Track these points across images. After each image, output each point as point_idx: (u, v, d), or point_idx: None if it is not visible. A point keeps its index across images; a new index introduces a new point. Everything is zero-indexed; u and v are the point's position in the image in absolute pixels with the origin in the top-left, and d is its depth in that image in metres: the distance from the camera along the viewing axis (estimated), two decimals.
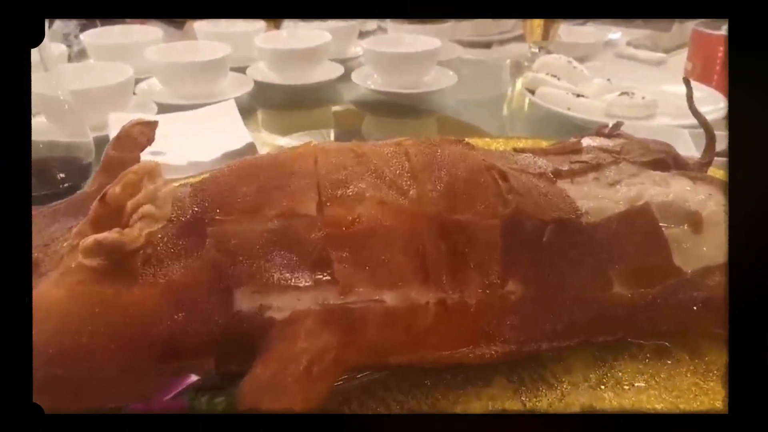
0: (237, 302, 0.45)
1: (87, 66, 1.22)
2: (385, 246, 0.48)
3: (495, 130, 1.21)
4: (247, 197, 0.49)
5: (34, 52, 0.79)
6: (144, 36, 1.39)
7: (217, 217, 0.48)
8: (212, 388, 0.43)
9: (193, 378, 0.42)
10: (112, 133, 0.94)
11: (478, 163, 0.57)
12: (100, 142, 0.88)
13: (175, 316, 0.43)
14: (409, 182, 0.52)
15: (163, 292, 0.43)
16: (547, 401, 0.52)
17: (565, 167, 0.65)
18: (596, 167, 0.66)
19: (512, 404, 0.52)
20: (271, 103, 1.34)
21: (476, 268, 0.51)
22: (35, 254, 0.45)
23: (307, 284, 0.45)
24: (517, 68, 1.62)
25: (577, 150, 0.71)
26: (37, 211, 0.50)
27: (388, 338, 0.47)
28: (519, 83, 1.55)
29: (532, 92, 1.20)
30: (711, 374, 0.55)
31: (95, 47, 1.34)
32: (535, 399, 0.52)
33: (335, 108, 1.37)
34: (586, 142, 0.73)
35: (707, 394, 0.53)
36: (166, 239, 0.46)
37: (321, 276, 0.46)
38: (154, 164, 0.42)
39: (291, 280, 0.45)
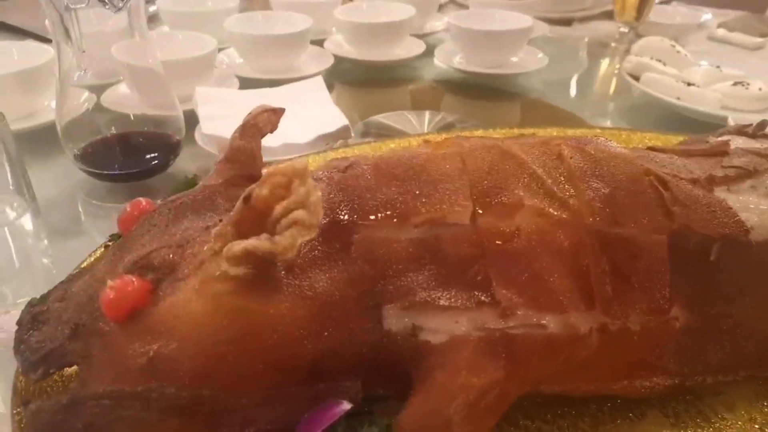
0: (387, 321, 0.40)
1: (169, 35, 1.18)
2: (547, 263, 0.43)
3: (592, 117, 1.13)
4: (390, 201, 0.44)
5: (123, 17, 0.75)
6: (219, 4, 1.34)
7: (361, 222, 0.43)
8: (354, 414, 0.39)
9: (345, 407, 0.37)
10: (199, 108, 0.91)
11: (637, 166, 0.50)
12: (186, 118, 0.85)
13: (325, 334, 0.39)
14: (567, 189, 0.46)
15: (311, 307, 0.39)
16: None
17: (719, 173, 0.57)
18: (752, 173, 0.58)
19: None
20: (345, 78, 1.28)
21: (641, 290, 0.45)
22: (169, 255, 0.41)
23: (464, 304, 0.40)
24: (603, 48, 1.53)
25: (723, 152, 0.64)
26: (161, 205, 0.46)
27: (548, 369, 0.42)
28: (606, 65, 1.46)
29: (636, 78, 1.10)
30: None
31: (170, 14, 1.30)
32: None
33: (411, 86, 1.30)
34: (734, 142, 0.65)
35: None
36: (307, 246, 0.41)
37: (480, 296, 0.41)
38: (304, 165, 0.38)
39: (445, 298, 0.40)
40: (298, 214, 0.37)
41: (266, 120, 0.50)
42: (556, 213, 0.44)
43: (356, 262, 0.41)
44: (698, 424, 0.48)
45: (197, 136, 0.88)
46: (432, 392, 0.37)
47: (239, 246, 0.37)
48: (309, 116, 0.85)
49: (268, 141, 0.81)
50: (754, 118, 0.71)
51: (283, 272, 0.40)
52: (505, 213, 0.43)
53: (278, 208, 0.38)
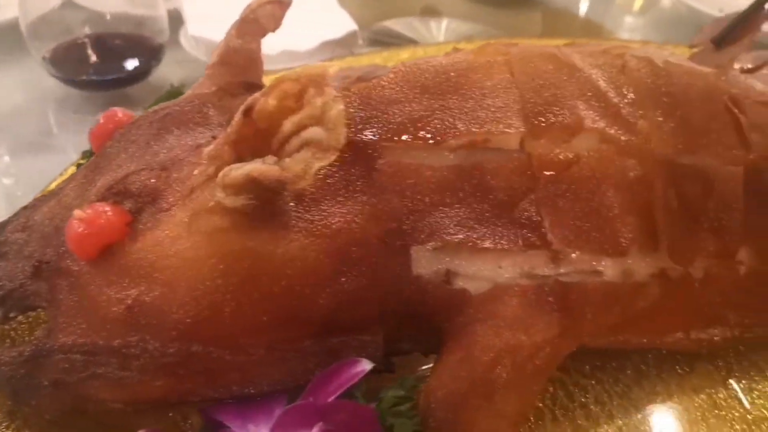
0: (416, 264, 0.34)
1: None
2: (608, 198, 0.36)
3: (621, 32, 1.02)
4: (423, 118, 0.36)
5: None
6: None
7: (386, 144, 0.35)
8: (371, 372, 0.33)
9: (365, 366, 0.31)
10: (186, 5, 0.80)
11: (711, 84, 0.42)
12: (171, 17, 0.74)
13: (342, 279, 0.32)
14: (635, 109, 0.38)
15: (325, 247, 0.32)
16: (766, 398, 0.42)
17: None
18: None
19: (726, 400, 0.41)
20: None
21: (710, 230, 0.39)
22: (150, 179, 0.33)
23: (509, 247, 0.34)
24: None
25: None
26: (141, 117, 0.38)
27: (602, 323, 0.36)
28: None
29: None
30: None
31: None
32: (754, 395, 0.42)
33: None
34: None
35: None
36: (321, 171, 0.33)
37: (528, 236, 0.34)
38: (322, 69, 0.29)
39: (487, 239, 0.33)
40: (314, 132, 0.29)
41: (269, 14, 0.40)
42: (622, 138, 0.37)
43: (381, 193, 0.34)
44: (752, 377, 0.43)
45: (182, 38, 0.78)
46: (470, 351, 0.31)
47: (239, 171, 0.29)
48: (311, 19, 0.75)
49: (265, 48, 0.71)
50: None
51: (291, 204, 0.32)
52: (562, 137, 0.36)
53: (288, 124, 0.30)
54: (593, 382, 0.42)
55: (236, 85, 0.40)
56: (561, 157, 0.35)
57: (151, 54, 0.73)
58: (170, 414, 0.35)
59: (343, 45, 0.75)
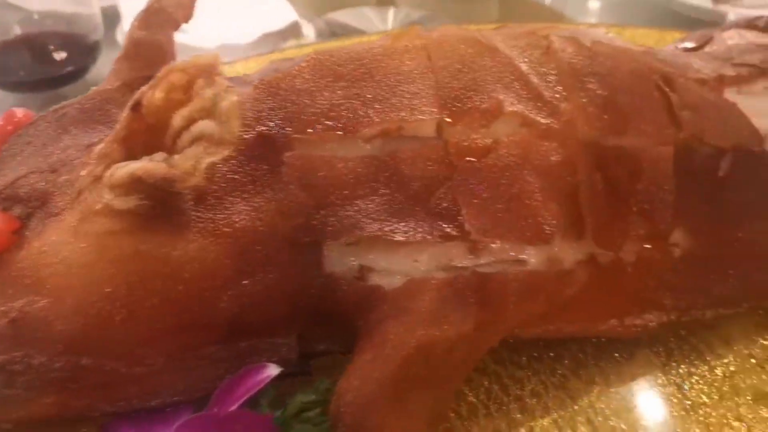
0: (328, 261, 0.32)
1: None
2: (530, 184, 0.34)
3: (577, 15, 1.01)
4: (334, 108, 0.34)
5: None
6: None
7: (296, 136, 0.33)
8: (289, 374, 0.31)
9: (271, 372, 0.30)
10: (122, 4, 0.77)
11: (641, 63, 0.41)
12: (107, 15, 0.72)
13: (246, 281, 0.30)
14: (558, 91, 0.37)
15: (229, 246, 0.30)
16: (707, 384, 0.41)
17: (729, 71, 0.49)
18: (766, 72, 0.50)
19: (664, 387, 0.40)
20: None
21: (639, 213, 0.38)
22: (40, 183, 0.31)
23: (425, 239, 0.32)
24: None
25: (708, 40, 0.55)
26: (41, 117, 0.36)
27: (527, 313, 0.35)
28: None
29: None
30: None
31: None
32: (692, 381, 0.41)
33: None
34: (740, 38, 0.56)
35: None
36: (225, 167, 0.32)
37: (445, 227, 0.32)
38: (211, 58, 0.28)
39: (402, 232, 0.32)
40: (204, 125, 0.28)
41: (176, 3, 0.38)
42: (543, 121, 0.35)
43: (289, 188, 0.32)
44: (691, 362, 0.42)
45: (119, 36, 0.75)
46: (381, 350, 0.30)
47: (124, 170, 0.27)
48: (251, 11, 0.73)
49: (202, 41, 0.69)
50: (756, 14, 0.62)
51: (191, 203, 0.31)
52: (481, 122, 0.34)
53: (177, 118, 0.28)
54: (530, 373, 0.41)
55: (141, 80, 0.37)
56: (479, 142, 0.34)
57: (87, 53, 0.70)
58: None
59: (286, 36, 0.73)
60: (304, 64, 0.36)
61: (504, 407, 0.39)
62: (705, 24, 0.82)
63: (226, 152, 0.28)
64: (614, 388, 0.40)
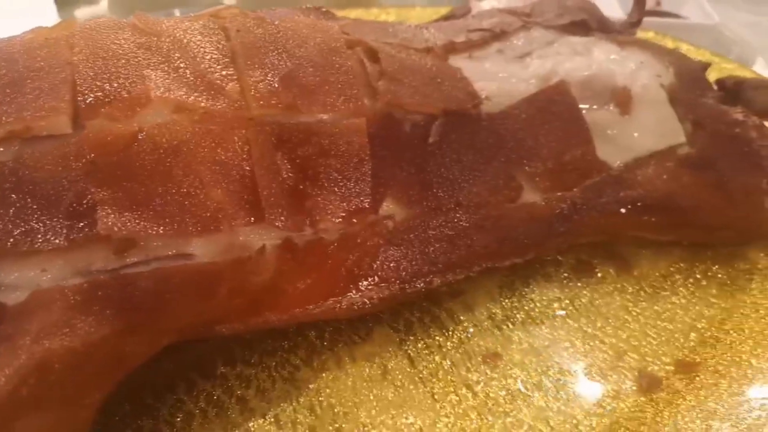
0: None
1: None
2: (189, 173, 0.32)
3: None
4: None
5: None
6: None
7: None
8: None
9: None
10: None
11: (334, 38, 0.40)
12: None
13: None
14: (226, 72, 0.35)
15: None
16: (441, 354, 0.40)
17: (461, 38, 0.49)
18: (500, 36, 0.50)
19: (397, 363, 0.39)
20: None
21: (335, 190, 0.37)
22: None
23: (60, 244, 0.29)
24: None
25: (466, 13, 0.55)
26: None
27: (208, 308, 0.33)
28: None
29: None
30: (642, 293, 0.44)
31: None
32: (426, 352, 0.40)
33: None
34: (488, 3, 0.57)
35: (637, 320, 0.43)
36: None
37: (85, 228, 0.30)
38: None
39: (26, 241, 0.29)
40: None
41: None
42: (204, 104, 0.33)
43: None
44: (430, 333, 0.41)
45: None
46: None
47: None
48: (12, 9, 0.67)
49: None
50: None
51: None
52: (125, 112, 0.32)
53: None
54: (259, 370, 0.39)
55: None
56: (121, 134, 0.31)
57: None
58: None
59: None
60: None
61: (224, 411, 0.37)
62: None
63: None
64: (346, 370, 0.39)
